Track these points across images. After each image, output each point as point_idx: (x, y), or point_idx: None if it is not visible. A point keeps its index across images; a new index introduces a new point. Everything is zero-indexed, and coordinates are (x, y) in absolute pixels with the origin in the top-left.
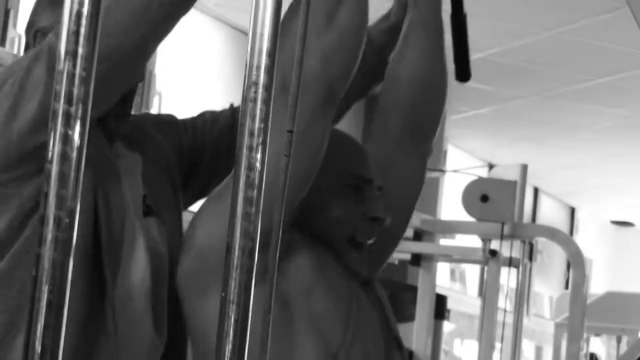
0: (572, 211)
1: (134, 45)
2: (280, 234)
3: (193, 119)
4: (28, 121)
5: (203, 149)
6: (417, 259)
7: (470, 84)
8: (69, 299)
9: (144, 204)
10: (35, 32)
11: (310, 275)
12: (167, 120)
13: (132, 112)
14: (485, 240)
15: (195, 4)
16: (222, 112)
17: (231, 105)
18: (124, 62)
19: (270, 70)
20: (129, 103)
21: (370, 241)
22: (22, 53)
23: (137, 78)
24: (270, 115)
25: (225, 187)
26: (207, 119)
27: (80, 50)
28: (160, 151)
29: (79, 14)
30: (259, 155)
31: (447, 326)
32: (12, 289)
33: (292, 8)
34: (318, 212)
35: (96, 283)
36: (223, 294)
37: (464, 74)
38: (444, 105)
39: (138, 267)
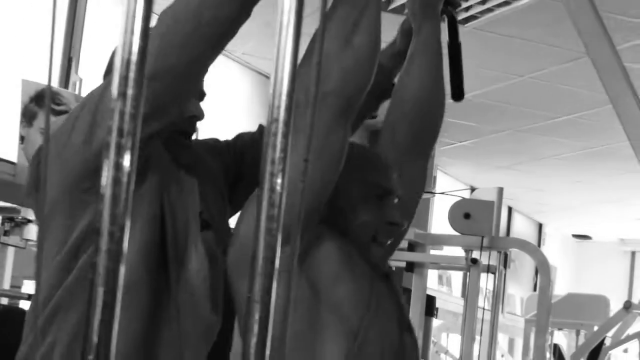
0: (540, 226)
1: (187, 63)
2: (301, 231)
3: (234, 141)
4: (100, 144)
5: (243, 165)
6: (410, 266)
7: (455, 120)
8: (138, 291)
9: (201, 219)
10: None
11: (337, 263)
12: (213, 145)
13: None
14: (468, 250)
15: (225, 53)
16: (254, 133)
17: (260, 126)
18: (179, 80)
19: (289, 108)
20: (189, 137)
21: (389, 241)
22: (82, 95)
23: (190, 95)
24: (290, 146)
25: None
26: (245, 140)
27: (129, 92)
28: (211, 173)
29: (128, 62)
30: (279, 180)
31: (435, 322)
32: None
33: (314, 38)
34: (348, 214)
35: (162, 279)
36: (249, 295)
37: (458, 94)
38: (442, 117)
39: (200, 268)
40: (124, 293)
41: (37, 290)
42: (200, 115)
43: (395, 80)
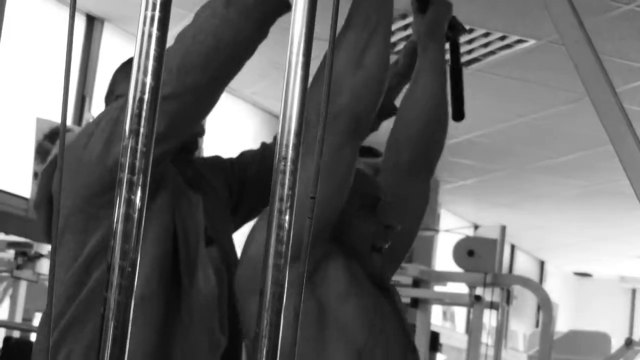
0: (542, 264)
1: (207, 83)
2: (310, 248)
3: (237, 158)
4: (116, 161)
5: (245, 182)
6: (415, 302)
7: (457, 159)
8: (152, 303)
9: (206, 235)
10: (117, 97)
11: (344, 283)
12: (216, 162)
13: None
14: (471, 287)
15: (234, 92)
16: (257, 151)
17: (262, 143)
18: (199, 99)
19: (296, 147)
20: (191, 153)
21: (386, 245)
22: None
23: (207, 113)
24: (297, 183)
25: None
26: (247, 157)
27: (141, 130)
28: (214, 189)
29: (140, 101)
30: (287, 217)
31: (439, 357)
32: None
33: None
34: (345, 228)
35: (174, 290)
36: (257, 331)
37: (459, 114)
38: (445, 135)
39: (208, 281)
40: (138, 304)
41: (49, 302)
42: (201, 132)
43: (399, 99)
